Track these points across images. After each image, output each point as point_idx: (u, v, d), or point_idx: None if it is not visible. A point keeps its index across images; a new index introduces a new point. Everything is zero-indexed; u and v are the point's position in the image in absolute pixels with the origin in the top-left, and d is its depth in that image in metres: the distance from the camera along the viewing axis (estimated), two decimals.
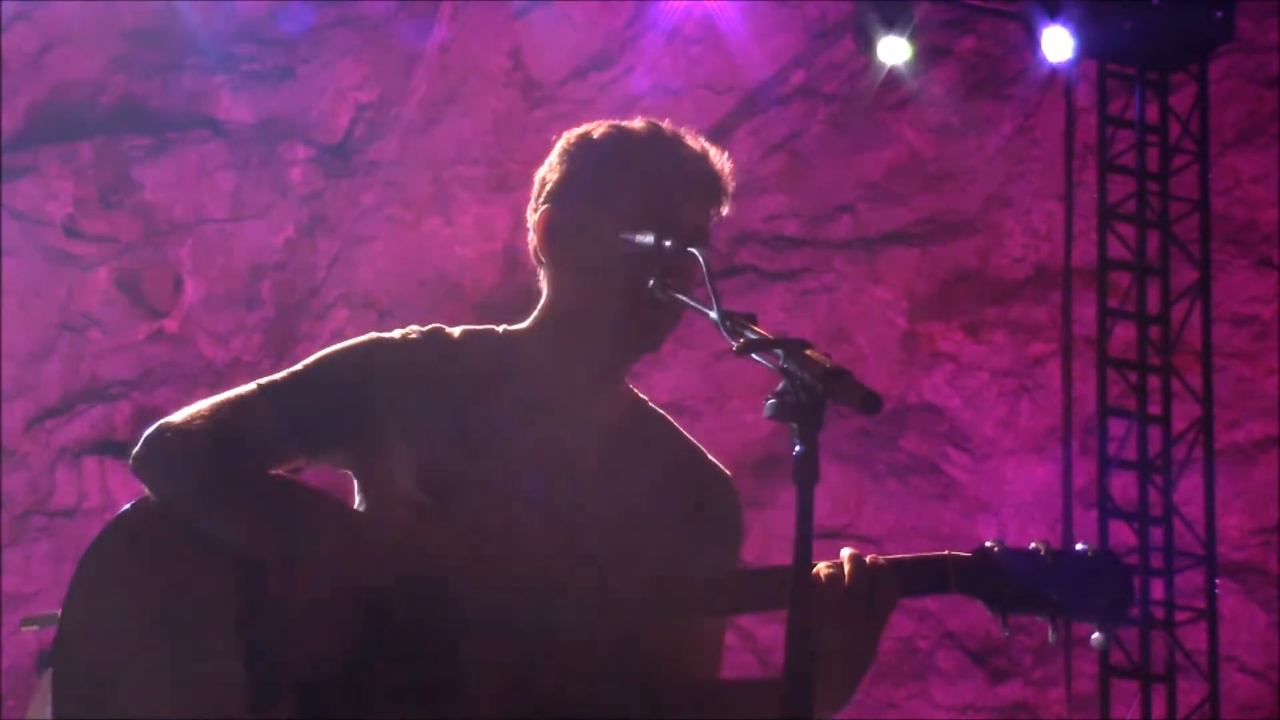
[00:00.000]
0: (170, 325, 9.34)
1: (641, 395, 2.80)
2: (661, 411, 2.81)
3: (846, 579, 2.48)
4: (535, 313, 2.75)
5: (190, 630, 2.52)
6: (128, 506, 2.63)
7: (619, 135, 2.72)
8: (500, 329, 2.75)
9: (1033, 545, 2.54)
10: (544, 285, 2.75)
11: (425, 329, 2.71)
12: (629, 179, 2.66)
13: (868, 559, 2.51)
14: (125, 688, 2.52)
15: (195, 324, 9.35)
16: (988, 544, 2.54)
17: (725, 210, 2.75)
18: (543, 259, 2.72)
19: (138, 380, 9.30)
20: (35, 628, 6.10)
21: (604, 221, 2.64)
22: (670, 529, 2.68)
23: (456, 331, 2.73)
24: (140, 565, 2.58)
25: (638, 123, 2.74)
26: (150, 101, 9.36)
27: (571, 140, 2.74)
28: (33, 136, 9.24)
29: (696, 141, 2.74)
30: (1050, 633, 2.52)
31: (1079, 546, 2.54)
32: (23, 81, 9.16)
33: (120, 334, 9.30)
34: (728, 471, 2.80)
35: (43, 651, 7.11)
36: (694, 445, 2.79)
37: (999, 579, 2.51)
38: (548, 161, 2.75)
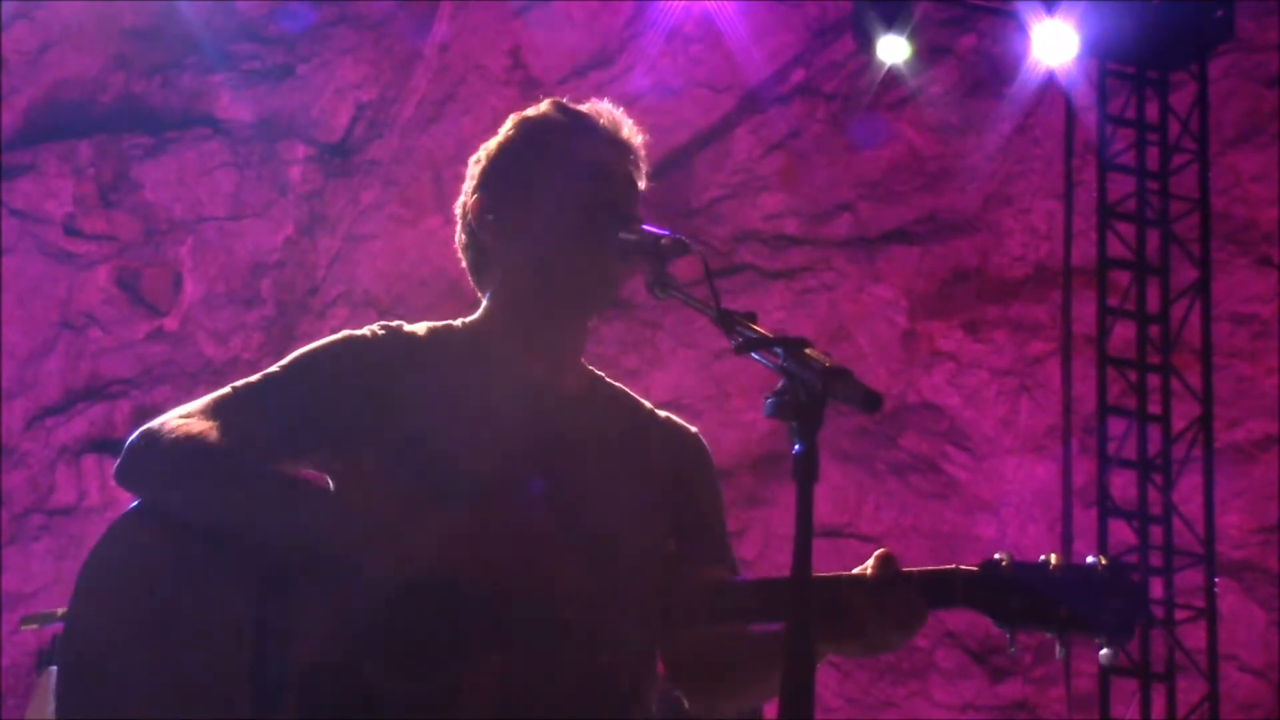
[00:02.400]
0: (170, 324, 9.34)
1: (598, 372, 2.82)
2: (617, 384, 2.84)
3: (890, 602, 2.48)
4: (487, 299, 2.78)
5: (193, 631, 2.52)
6: (132, 506, 2.62)
7: (525, 117, 2.84)
8: (459, 322, 2.78)
9: (1041, 559, 2.50)
10: (471, 274, 2.80)
11: (390, 325, 2.73)
12: (547, 143, 2.75)
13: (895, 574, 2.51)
14: (128, 688, 2.51)
15: (195, 322, 9.34)
16: (996, 557, 2.50)
17: (642, 166, 2.79)
18: (484, 241, 2.76)
19: (137, 378, 9.30)
20: (35, 626, 6.09)
21: (534, 185, 2.72)
22: (659, 495, 2.70)
23: (421, 329, 2.75)
24: (144, 566, 2.58)
25: (544, 104, 2.86)
26: (150, 100, 9.36)
27: (487, 144, 2.83)
28: (32, 135, 9.24)
29: (604, 105, 2.84)
30: (1058, 648, 2.49)
31: (1089, 560, 2.50)
32: (22, 80, 9.15)
33: (120, 332, 9.29)
34: (693, 429, 2.84)
35: (43, 650, 7.11)
36: (654, 409, 2.84)
37: (1006, 593, 2.48)
38: (474, 157, 2.83)
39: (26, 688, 8.47)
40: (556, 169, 2.72)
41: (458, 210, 2.81)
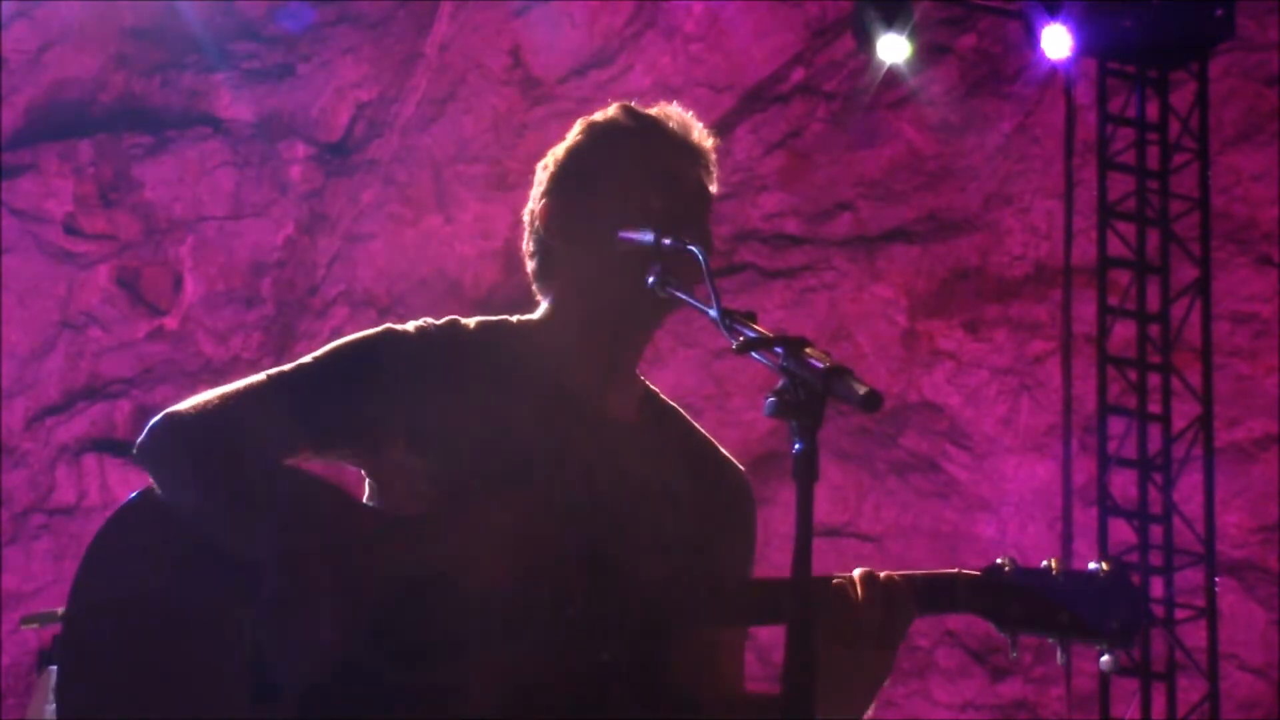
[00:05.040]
0: (170, 323, 9.34)
1: (653, 387, 2.79)
2: (673, 404, 2.81)
3: (861, 598, 2.47)
4: (547, 303, 2.75)
5: (193, 628, 2.51)
6: (132, 497, 2.61)
7: (593, 122, 2.78)
8: (515, 319, 2.75)
9: (1044, 564, 2.50)
10: (535, 280, 2.76)
11: (441, 321, 2.69)
12: (615, 150, 2.71)
13: (881, 575, 2.50)
14: (128, 685, 2.51)
15: (195, 322, 9.35)
16: (999, 561, 2.51)
17: (714, 170, 2.75)
18: (551, 247, 2.72)
19: (137, 378, 9.30)
20: (35, 625, 6.10)
21: (601, 193, 2.68)
22: (689, 526, 2.67)
23: (472, 323, 2.71)
24: (144, 562, 2.57)
25: (612, 109, 2.80)
26: (150, 99, 9.36)
27: (555, 149, 2.78)
28: (33, 134, 9.24)
29: (674, 110, 2.79)
30: (1059, 654, 2.50)
31: (1090, 566, 2.51)
32: (22, 79, 9.15)
33: (120, 332, 9.29)
34: (740, 466, 2.80)
35: (43, 649, 7.11)
36: (707, 439, 2.80)
37: (1008, 599, 2.48)
38: (542, 163, 2.79)
39: (26, 687, 8.48)
40: (624, 176, 2.68)
41: (525, 216, 2.76)
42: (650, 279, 2.55)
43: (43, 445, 9.23)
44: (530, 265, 2.76)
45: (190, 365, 9.28)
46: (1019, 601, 2.48)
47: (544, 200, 2.73)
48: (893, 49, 8.50)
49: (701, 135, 2.75)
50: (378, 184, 9.48)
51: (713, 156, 2.75)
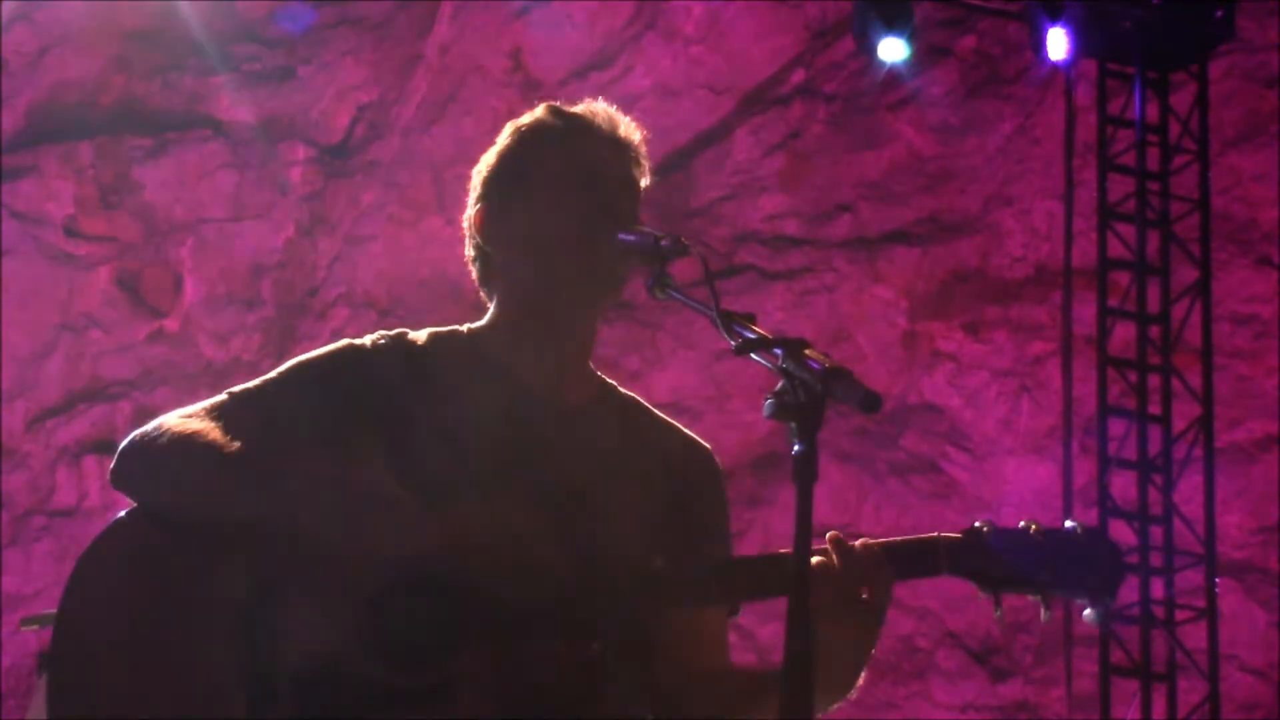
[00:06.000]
0: (170, 325, 9.35)
1: (610, 380, 2.81)
2: (630, 393, 2.82)
3: (839, 568, 2.47)
4: (493, 306, 2.78)
5: (187, 631, 2.52)
6: (123, 514, 2.63)
7: (520, 125, 2.82)
8: (465, 328, 2.79)
9: (1021, 524, 2.54)
10: (479, 286, 2.79)
11: (391, 334, 2.73)
12: (542, 149, 2.75)
13: (858, 544, 2.50)
14: (121, 689, 2.51)
15: (195, 324, 9.35)
16: (977, 524, 2.54)
17: (644, 164, 2.77)
18: (489, 251, 2.75)
19: (138, 380, 9.31)
20: (35, 627, 6.10)
21: (531, 192, 2.72)
22: (664, 507, 2.69)
23: (422, 335, 2.75)
24: (137, 567, 2.58)
25: (539, 109, 2.83)
26: (150, 102, 9.36)
27: (486, 154, 2.82)
28: (33, 136, 9.24)
29: (599, 106, 2.82)
30: (1042, 612, 2.52)
31: (1068, 524, 2.55)
32: (23, 82, 9.16)
33: (120, 334, 9.30)
34: (706, 444, 2.82)
35: (43, 651, 7.11)
36: (669, 421, 2.82)
37: (989, 559, 2.51)
38: (476, 169, 2.83)
39: (27, 689, 8.48)
40: (551, 174, 2.72)
41: (465, 223, 2.80)
42: (651, 280, 2.57)
43: (43, 447, 9.24)
44: (473, 272, 2.80)
45: (191, 367, 9.28)
46: (1000, 562, 2.51)
47: (478, 205, 2.77)
48: (893, 51, 8.51)
49: (629, 129, 2.78)
50: (378, 186, 9.49)
51: (643, 149, 2.78)
